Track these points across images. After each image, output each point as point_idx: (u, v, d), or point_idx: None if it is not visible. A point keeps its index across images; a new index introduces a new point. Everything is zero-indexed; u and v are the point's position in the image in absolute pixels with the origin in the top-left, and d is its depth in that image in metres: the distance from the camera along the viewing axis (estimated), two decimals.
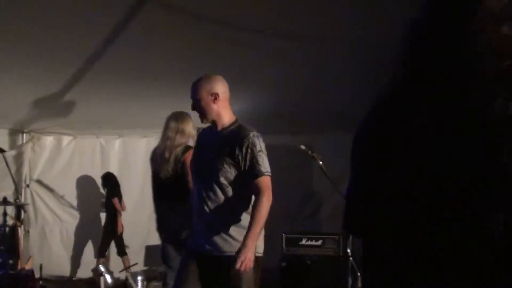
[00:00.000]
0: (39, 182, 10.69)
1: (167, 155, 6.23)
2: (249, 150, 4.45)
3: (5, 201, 7.22)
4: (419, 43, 1.69)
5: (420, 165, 1.59)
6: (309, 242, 8.84)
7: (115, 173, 10.67)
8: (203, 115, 4.71)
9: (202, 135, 5.11)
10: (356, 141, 1.88)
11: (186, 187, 5.79)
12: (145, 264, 10.29)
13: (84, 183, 10.78)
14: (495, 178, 1.45)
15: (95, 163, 10.79)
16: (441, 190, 1.54)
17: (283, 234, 8.95)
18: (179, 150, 6.22)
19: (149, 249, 10.45)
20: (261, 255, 4.64)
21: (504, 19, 1.52)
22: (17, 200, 8.50)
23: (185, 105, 8.85)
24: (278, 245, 9.04)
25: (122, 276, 9.44)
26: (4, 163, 7.97)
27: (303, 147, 7.23)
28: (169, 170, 6.19)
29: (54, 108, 8.77)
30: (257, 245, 4.48)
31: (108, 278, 8.95)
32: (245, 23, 5.63)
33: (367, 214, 1.82)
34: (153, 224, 10.50)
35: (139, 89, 7.95)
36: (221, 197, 4.50)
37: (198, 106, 4.68)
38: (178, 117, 6.52)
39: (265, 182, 4.45)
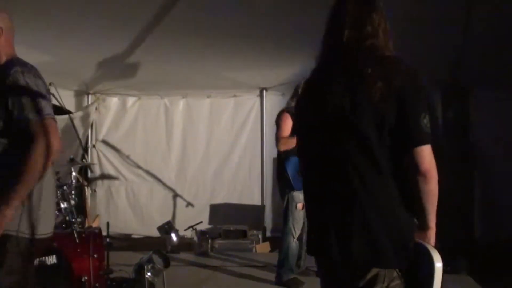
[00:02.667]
0: (105, 142, 10.86)
1: None
2: (12, 92, 3.37)
3: (72, 161, 7.34)
4: None
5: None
6: None
7: (179, 133, 10.78)
8: None
9: None
10: None
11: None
12: (210, 222, 10.40)
13: (149, 142, 10.91)
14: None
15: (160, 124, 10.89)
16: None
17: None
18: None
19: (213, 208, 10.56)
20: (38, 237, 3.44)
21: None
22: (84, 160, 8.64)
23: (251, 66, 8.89)
24: None
25: (187, 234, 9.57)
26: (70, 125, 8.08)
27: None
28: None
29: (118, 69, 8.85)
30: (36, 222, 3.40)
31: (173, 236, 9.08)
32: None
33: None
34: (217, 184, 10.66)
35: (203, 50, 7.94)
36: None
37: None
38: None
39: (38, 127, 3.34)
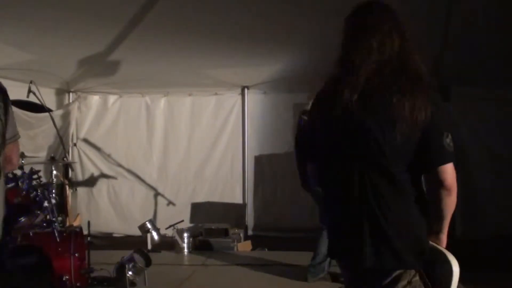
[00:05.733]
0: (86, 141, 10.83)
1: None
2: None
3: (52, 160, 7.31)
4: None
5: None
6: None
7: (160, 131, 10.77)
8: None
9: None
10: None
11: None
12: (191, 221, 10.39)
13: (130, 141, 10.89)
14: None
15: (141, 122, 10.87)
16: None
17: None
18: None
19: (195, 207, 10.55)
20: None
21: None
22: (65, 159, 8.60)
23: (233, 64, 8.90)
24: None
25: (169, 232, 9.55)
26: (51, 123, 8.05)
27: None
28: None
29: (99, 68, 8.83)
30: None
31: (155, 234, 9.07)
32: None
33: None
34: (199, 182, 10.66)
35: (184, 48, 7.94)
36: None
37: None
38: None
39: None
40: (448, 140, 2.93)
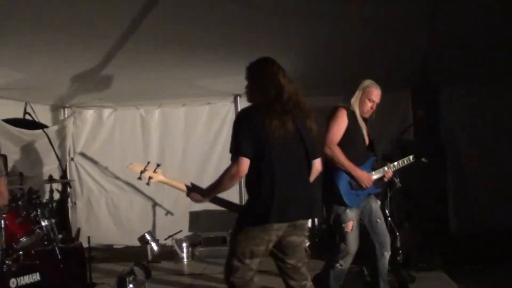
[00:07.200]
0: (83, 155, 10.91)
1: None
2: None
3: (51, 179, 7.40)
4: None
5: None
6: None
7: (156, 142, 10.84)
8: None
9: None
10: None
11: None
12: (190, 230, 10.46)
13: (127, 153, 10.94)
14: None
15: (136, 134, 10.95)
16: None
17: None
18: None
19: (193, 216, 10.62)
20: None
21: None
22: (63, 177, 8.67)
23: (223, 73, 8.97)
24: None
25: (168, 242, 9.63)
26: (46, 139, 8.13)
27: None
28: None
29: (93, 82, 8.87)
30: None
31: (154, 245, 9.14)
32: None
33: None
34: None
35: (176, 59, 7.99)
36: None
37: None
38: None
39: None
40: None
